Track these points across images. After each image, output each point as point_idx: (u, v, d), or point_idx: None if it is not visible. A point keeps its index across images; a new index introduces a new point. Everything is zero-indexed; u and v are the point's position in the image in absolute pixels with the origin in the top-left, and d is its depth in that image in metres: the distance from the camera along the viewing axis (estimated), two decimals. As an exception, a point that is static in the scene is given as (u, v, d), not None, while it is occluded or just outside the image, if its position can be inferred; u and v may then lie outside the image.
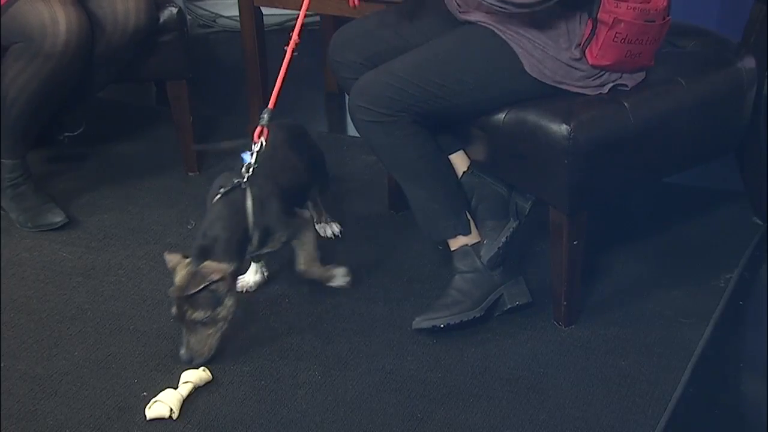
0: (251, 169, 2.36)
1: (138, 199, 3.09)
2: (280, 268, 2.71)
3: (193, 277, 2.24)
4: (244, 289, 2.58)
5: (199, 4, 4.51)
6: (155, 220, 2.97)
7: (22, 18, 2.76)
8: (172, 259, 2.31)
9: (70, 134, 3.32)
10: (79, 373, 2.34)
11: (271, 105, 2.42)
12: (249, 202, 2.35)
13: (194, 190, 3.10)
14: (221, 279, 2.24)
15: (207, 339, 2.29)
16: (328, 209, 2.82)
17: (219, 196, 2.35)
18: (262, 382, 2.30)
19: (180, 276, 2.27)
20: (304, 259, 2.49)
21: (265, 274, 2.64)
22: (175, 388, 2.25)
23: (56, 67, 2.78)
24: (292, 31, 2.44)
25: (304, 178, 2.58)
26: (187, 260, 2.28)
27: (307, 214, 2.54)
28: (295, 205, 2.51)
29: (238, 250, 2.33)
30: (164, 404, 2.20)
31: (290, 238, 2.46)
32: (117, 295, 2.63)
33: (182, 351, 2.29)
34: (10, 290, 2.65)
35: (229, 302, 2.29)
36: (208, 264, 2.25)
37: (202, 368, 2.30)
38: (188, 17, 4.14)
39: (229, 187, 2.35)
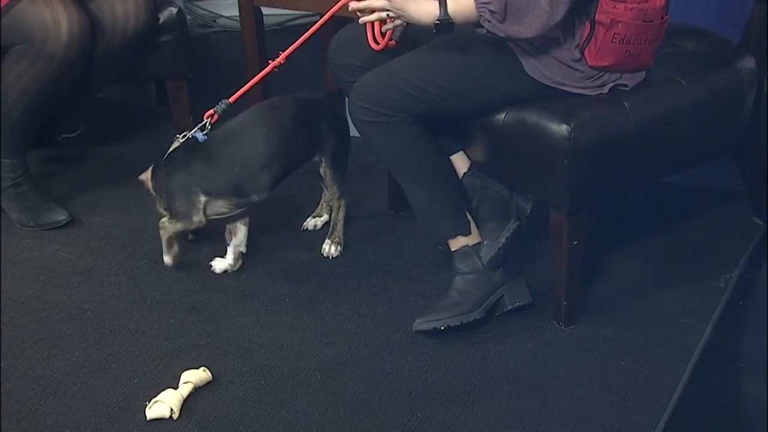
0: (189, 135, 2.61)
1: (138, 199, 3.08)
2: (280, 269, 2.72)
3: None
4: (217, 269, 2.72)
5: (199, 4, 4.52)
6: (155, 220, 2.96)
7: (23, 20, 2.76)
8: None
9: (68, 136, 3.32)
10: (79, 373, 2.34)
11: (231, 100, 2.61)
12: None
13: (194, 190, 3.10)
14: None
15: None
16: (342, 232, 2.78)
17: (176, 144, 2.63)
18: (262, 382, 2.30)
19: None
20: (167, 228, 2.65)
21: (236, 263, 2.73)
22: (175, 388, 2.25)
23: (58, 69, 2.78)
24: (283, 50, 2.54)
25: (292, 160, 2.66)
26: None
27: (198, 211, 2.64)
28: (257, 187, 2.61)
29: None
30: (164, 404, 2.20)
31: (169, 211, 2.65)
32: (117, 295, 2.63)
33: None
34: (10, 290, 2.65)
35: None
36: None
37: (202, 368, 2.30)
38: (188, 17, 4.15)
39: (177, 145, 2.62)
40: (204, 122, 2.61)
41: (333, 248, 2.76)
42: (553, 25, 2.19)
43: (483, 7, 2.19)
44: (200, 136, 2.60)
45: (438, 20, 2.21)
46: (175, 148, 2.64)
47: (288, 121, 2.64)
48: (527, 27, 2.19)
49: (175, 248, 2.68)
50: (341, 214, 2.77)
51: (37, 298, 2.63)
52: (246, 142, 2.62)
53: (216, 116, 2.61)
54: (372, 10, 2.34)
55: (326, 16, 2.51)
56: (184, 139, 2.62)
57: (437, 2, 2.21)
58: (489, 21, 2.19)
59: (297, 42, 2.53)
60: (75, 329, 2.50)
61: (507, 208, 2.50)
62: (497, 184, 2.51)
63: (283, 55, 2.55)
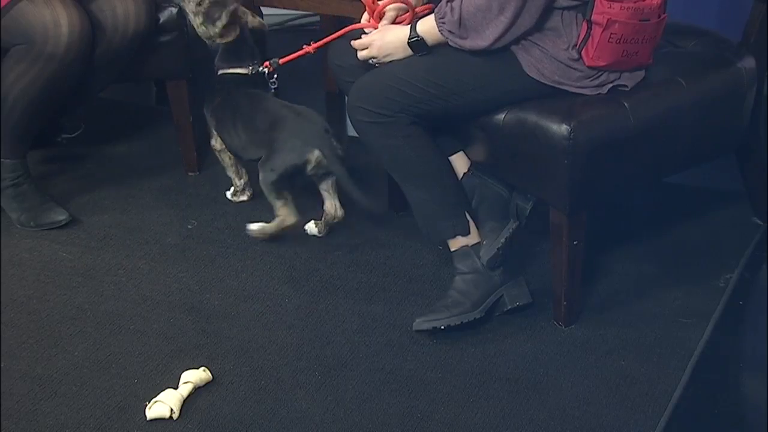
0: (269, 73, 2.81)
1: (138, 199, 3.09)
2: (280, 269, 2.72)
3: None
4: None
5: (199, 4, 4.50)
6: (155, 220, 2.97)
7: (24, 20, 2.76)
8: None
9: (69, 136, 3.31)
10: (79, 373, 2.35)
11: (282, 61, 2.77)
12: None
13: (194, 190, 3.10)
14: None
15: None
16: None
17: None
18: (262, 382, 2.30)
19: None
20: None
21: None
22: (175, 388, 2.25)
23: (58, 69, 2.78)
24: (314, 41, 2.68)
25: (239, 148, 2.83)
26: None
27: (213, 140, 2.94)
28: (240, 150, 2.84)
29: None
30: (164, 404, 2.20)
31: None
32: (117, 295, 2.63)
33: None
34: (10, 290, 2.65)
35: None
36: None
37: (202, 368, 2.30)
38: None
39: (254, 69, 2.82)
40: (272, 73, 2.80)
41: (315, 229, 2.83)
42: (523, 31, 2.25)
43: (441, 27, 2.30)
44: (271, 88, 2.81)
45: (410, 40, 2.34)
46: (244, 74, 2.84)
47: (250, 115, 2.77)
48: (488, 39, 2.27)
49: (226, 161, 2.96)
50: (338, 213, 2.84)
51: (37, 298, 2.63)
52: (231, 113, 2.82)
53: (271, 68, 2.79)
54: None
55: (358, 25, 2.54)
56: (256, 70, 2.81)
57: (409, 26, 2.36)
58: (450, 39, 2.30)
59: (329, 37, 2.63)
60: (75, 329, 2.50)
61: (507, 208, 2.50)
62: (497, 185, 2.51)
63: (314, 45, 2.67)
